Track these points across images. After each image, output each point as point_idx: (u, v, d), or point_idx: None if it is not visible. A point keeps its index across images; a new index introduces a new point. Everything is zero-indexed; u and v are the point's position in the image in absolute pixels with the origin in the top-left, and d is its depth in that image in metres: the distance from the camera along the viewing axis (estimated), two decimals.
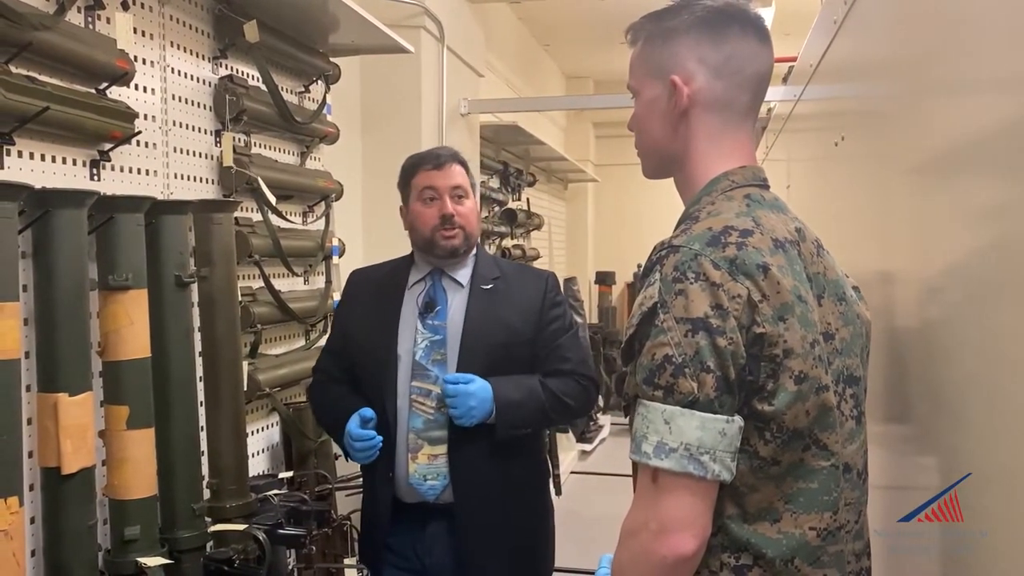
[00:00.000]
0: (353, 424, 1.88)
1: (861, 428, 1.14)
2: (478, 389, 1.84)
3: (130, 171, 1.87)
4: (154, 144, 1.97)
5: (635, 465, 1.05)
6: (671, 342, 0.99)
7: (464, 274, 2.00)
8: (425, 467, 1.90)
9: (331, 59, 2.79)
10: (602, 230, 8.70)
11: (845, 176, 2.00)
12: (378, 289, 2.03)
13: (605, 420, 6.93)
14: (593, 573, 1.24)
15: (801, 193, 2.92)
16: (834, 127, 2.17)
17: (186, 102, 2.10)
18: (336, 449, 2.58)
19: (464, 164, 2.02)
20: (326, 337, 2.71)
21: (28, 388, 1.52)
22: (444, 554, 1.93)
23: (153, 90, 1.97)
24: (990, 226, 0.95)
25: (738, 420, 1.00)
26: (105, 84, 1.75)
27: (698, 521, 1.00)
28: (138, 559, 1.64)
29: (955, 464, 1.06)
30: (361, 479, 2.22)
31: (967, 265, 1.04)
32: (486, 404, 1.85)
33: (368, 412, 1.88)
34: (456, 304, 1.96)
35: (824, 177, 2.43)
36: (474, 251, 2.03)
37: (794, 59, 3.36)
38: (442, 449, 1.89)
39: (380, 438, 1.88)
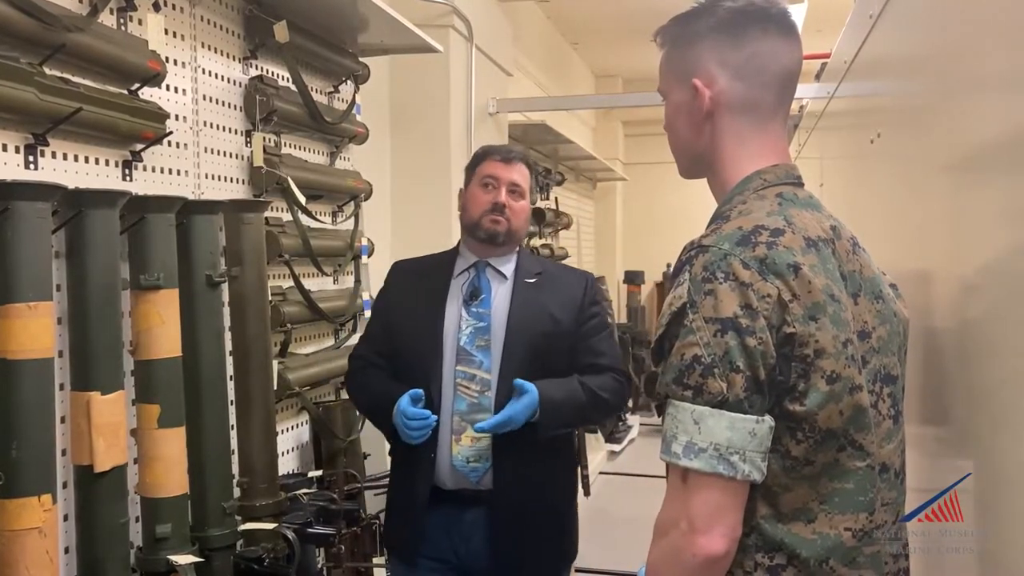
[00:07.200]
0: (405, 403, 1.90)
1: (899, 428, 1.13)
2: (522, 409, 1.87)
3: (161, 171, 1.89)
4: (185, 144, 1.98)
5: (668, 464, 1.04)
6: (700, 342, 0.99)
7: (508, 267, 2.07)
8: (468, 449, 1.93)
9: (360, 59, 2.80)
10: (631, 229, 8.65)
11: (881, 173, 1.97)
12: (422, 278, 2.09)
13: (634, 420, 6.89)
14: (621, 574, 1.23)
15: (835, 191, 2.87)
16: (870, 124, 2.13)
17: (217, 102, 2.12)
18: (365, 448, 2.59)
19: (530, 167, 2.12)
20: (357, 335, 2.73)
21: (61, 387, 1.54)
22: (481, 541, 1.95)
23: (184, 91, 1.99)
24: None
25: (768, 420, 0.99)
26: (137, 85, 1.77)
27: (728, 521, 1.00)
28: (169, 557, 1.65)
29: (991, 465, 1.04)
30: (390, 474, 2.22)
31: (1006, 263, 1.02)
32: (529, 410, 1.89)
33: (418, 392, 1.91)
34: (501, 294, 2.03)
35: (859, 175, 2.39)
36: (517, 248, 2.10)
37: (827, 56, 3.31)
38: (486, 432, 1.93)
39: (435, 416, 1.90)
